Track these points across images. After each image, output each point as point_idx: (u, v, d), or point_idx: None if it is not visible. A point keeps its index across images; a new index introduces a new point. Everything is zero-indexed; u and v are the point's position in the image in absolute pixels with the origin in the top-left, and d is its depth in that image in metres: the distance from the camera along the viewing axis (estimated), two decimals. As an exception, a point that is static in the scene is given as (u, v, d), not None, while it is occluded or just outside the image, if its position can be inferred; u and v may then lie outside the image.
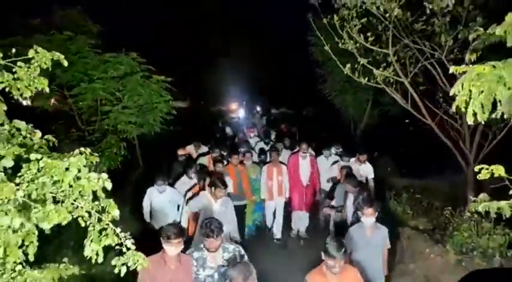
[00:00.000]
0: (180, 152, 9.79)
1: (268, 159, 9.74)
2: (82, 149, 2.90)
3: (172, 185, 7.80)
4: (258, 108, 30.02)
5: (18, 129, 3.41)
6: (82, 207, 2.68)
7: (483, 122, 3.54)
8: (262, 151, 10.63)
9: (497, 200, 4.03)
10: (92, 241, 2.70)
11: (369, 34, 7.24)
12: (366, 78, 7.58)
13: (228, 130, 16.58)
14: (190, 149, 10.45)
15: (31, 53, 3.21)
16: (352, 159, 9.17)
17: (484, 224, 6.72)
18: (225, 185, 6.39)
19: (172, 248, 4.21)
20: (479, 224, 6.78)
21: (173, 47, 22.10)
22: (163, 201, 7.45)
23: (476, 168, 4.12)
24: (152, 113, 9.44)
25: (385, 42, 7.40)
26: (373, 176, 8.94)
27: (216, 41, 26.02)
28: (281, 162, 9.23)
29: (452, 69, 3.54)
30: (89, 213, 2.71)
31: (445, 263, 6.53)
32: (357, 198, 6.63)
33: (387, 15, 6.72)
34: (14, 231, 2.66)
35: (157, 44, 19.80)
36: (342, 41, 7.51)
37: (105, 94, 8.86)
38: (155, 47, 17.54)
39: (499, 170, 3.95)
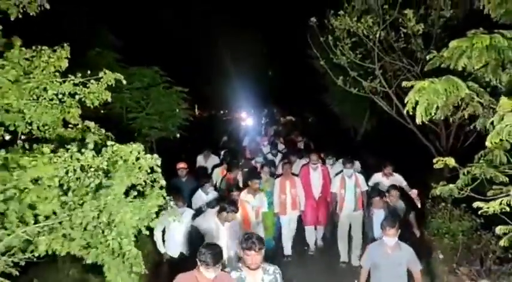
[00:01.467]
0: (181, 165, 8.81)
1: (279, 172, 9.36)
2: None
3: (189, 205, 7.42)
4: (265, 118, 30.99)
5: (88, 127, 4.75)
6: (140, 178, 3.99)
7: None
8: (271, 163, 10.27)
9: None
10: (146, 201, 4.00)
11: (357, 51, 8.53)
12: (356, 89, 8.87)
13: (225, 139, 15.70)
14: (200, 159, 10.50)
15: (101, 74, 4.55)
16: (377, 175, 8.55)
17: (455, 211, 7.93)
18: (237, 209, 6.13)
19: (211, 273, 3.90)
20: (451, 212, 7.99)
21: (184, 56, 23.14)
22: (181, 224, 6.65)
23: (435, 160, 5.39)
24: (172, 119, 10.75)
25: (372, 59, 8.68)
26: (406, 184, 8.38)
27: (225, 51, 27.04)
28: (293, 174, 8.81)
29: (403, 83, 4.83)
30: (145, 182, 4.02)
31: (422, 243, 7.71)
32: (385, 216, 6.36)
33: (371, 36, 8.01)
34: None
35: (169, 53, 20.84)
36: (336, 57, 8.82)
37: (132, 102, 10.19)
38: (165, 56, 18.59)
39: (451, 162, 5.21)
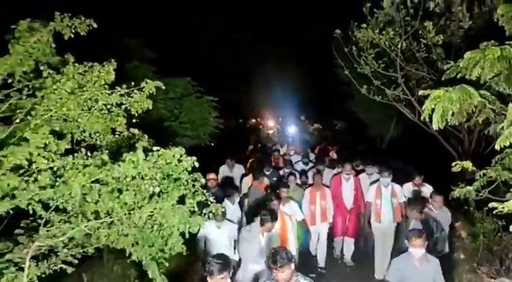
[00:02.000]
0: (210, 176, 8.72)
1: (309, 181, 9.34)
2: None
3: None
4: (294, 126, 31.30)
5: (133, 134, 5.29)
6: (183, 178, 4.50)
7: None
8: (302, 172, 10.12)
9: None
10: (189, 198, 4.50)
11: (380, 61, 8.92)
12: (380, 97, 9.25)
13: (251, 147, 16.00)
14: (224, 169, 10.42)
15: (143, 84, 5.09)
16: (408, 185, 8.37)
17: (477, 214, 8.19)
18: (276, 219, 6.05)
19: None
20: (473, 215, 8.25)
21: (212, 65, 23.73)
22: (221, 236, 6.84)
23: (453, 164, 5.74)
24: (203, 127, 11.32)
25: (394, 68, 9.05)
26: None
27: (253, 60, 27.43)
28: (323, 185, 8.70)
29: (420, 92, 5.22)
30: (187, 181, 4.52)
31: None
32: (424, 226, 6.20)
33: (393, 47, 8.40)
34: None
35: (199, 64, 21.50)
36: (360, 67, 9.23)
37: (166, 112, 10.80)
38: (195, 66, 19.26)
39: (468, 165, 5.56)
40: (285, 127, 32.64)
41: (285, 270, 4.02)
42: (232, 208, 7.85)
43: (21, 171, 3.94)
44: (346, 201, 8.62)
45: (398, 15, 8.60)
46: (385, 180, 7.99)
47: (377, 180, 8.28)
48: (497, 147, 4.40)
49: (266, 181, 9.08)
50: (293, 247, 6.50)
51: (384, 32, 8.32)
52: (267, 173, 9.59)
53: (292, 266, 4.08)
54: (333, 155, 13.50)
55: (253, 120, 34.85)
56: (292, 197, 8.06)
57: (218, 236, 6.81)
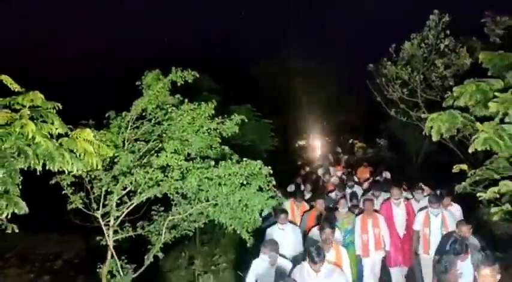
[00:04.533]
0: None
1: (360, 207, 8.79)
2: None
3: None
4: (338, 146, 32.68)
5: (224, 149, 7.74)
6: (263, 180, 6.91)
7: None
8: (353, 194, 9.63)
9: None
10: (265, 191, 6.87)
11: (405, 89, 11.13)
12: (406, 118, 11.43)
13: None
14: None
15: (233, 116, 7.53)
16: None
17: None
18: (324, 257, 5.15)
19: None
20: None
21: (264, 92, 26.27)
22: (273, 275, 6.09)
23: (454, 166, 7.83)
24: (262, 146, 13.71)
25: (416, 93, 11.24)
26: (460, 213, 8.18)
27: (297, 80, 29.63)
28: (375, 211, 8.21)
29: (423, 115, 7.45)
30: (266, 176, 6.90)
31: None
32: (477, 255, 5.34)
33: (411, 80, 10.63)
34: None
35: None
36: (389, 94, 11.48)
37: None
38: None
39: (464, 167, 7.64)
40: (330, 147, 33.65)
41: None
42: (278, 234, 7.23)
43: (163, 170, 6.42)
44: (398, 228, 8.22)
45: (418, 52, 10.81)
46: (435, 210, 7.57)
47: (426, 207, 7.83)
48: (470, 150, 6.49)
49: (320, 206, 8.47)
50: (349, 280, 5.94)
51: (403, 68, 10.60)
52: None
53: None
54: (386, 174, 12.77)
55: (301, 142, 36.48)
56: (342, 226, 7.75)
57: (271, 274, 6.15)
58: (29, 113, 3.71)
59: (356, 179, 12.08)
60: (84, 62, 24.38)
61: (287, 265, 6.06)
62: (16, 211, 3.57)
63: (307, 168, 16.68)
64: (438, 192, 8.57)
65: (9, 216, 3.60)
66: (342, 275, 5.36)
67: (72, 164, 3.89)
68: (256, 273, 6.14)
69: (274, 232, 6.88)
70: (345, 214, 8.00)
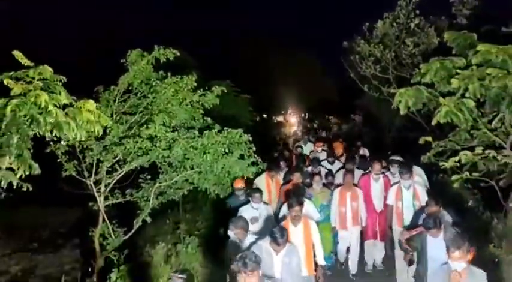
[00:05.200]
0: (239, 184, 7.54)
1: (336, 182, 8.71)
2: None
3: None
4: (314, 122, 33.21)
5: (206, 121, 8.22)
6: (242, 143, 7.43)
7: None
8: (329, 172, 9.25)
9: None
10: (246, 157, 7.40)
11: (377, 66, 11.73)
12: (378, 93, 12.05)
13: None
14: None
15: (213, 88, 8.00)
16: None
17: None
18: (286, 238, 5.05)
19: None
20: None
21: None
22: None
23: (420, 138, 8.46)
24: (241, 121, 14.19)
25: (388, 70, 11.86)
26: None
27: (275, 59, 30.04)
28: (354, 185, 8.05)
29: (392, 90, 8.03)
30: (244, 149, 7.42)
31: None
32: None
33: (383, 57, 11.23)
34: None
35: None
36: (362, 70, 12.07)
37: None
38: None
39: (429, 139, 8.27)
40: (305, 124, 34.11)
41: (255, 275, 3.74)
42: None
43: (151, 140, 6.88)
44: (375, 203, 8.17)
45: (390, 31, 11.38)
46: (407, 182, 7.51)
47: (398, 182, 7.75)
48: (433, 122, 7.12)
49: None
50: (320, 254, 6.01)
51: (376, 46, 11.18)
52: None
53: (261, 271, 3.84)
54: (364, 151, 12.43)
55: (278, 118, 37.25)
56: (315, 201, 7.55)
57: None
58: (41, 84, 4.12)
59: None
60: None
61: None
62: (31, 171, 4.01)
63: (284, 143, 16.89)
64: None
65: (23, 176, 4.04)
66: (298, 254, 5.25)
67: (76, 131, 4.33)
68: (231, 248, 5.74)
69: (247, 211, 6.64)
70: (319, 190, 7.90)
